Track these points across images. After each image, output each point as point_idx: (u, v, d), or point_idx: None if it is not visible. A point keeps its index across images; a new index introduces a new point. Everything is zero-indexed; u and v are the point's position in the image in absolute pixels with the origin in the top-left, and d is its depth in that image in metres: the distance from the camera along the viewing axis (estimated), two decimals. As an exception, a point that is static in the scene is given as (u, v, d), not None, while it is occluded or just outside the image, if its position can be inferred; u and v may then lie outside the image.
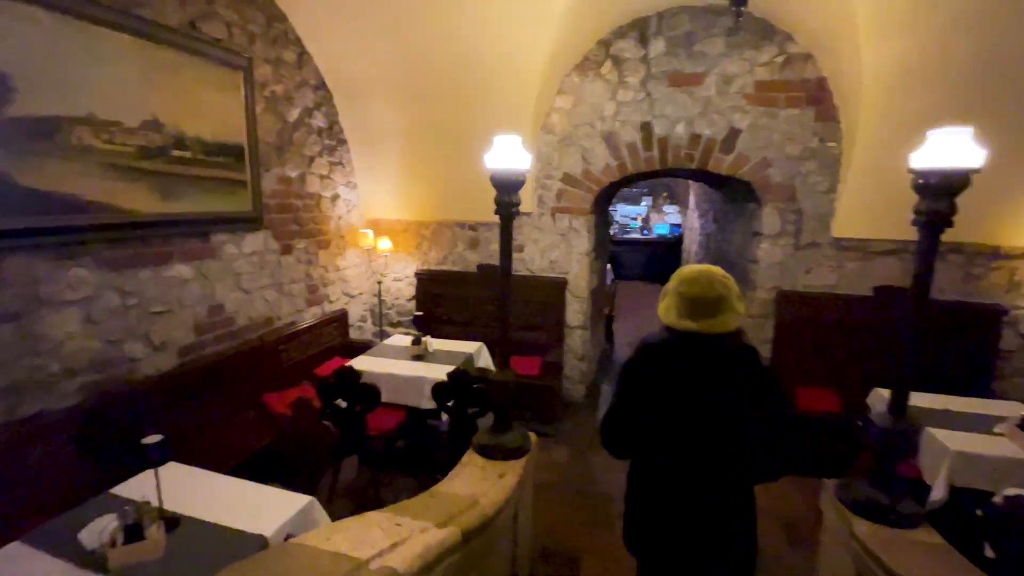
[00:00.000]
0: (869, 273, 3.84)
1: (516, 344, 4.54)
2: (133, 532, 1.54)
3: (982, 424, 2.67)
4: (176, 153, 2.87)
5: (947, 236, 3.84)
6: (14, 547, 1.59)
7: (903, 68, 3.12)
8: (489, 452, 2.11)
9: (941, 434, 2.57)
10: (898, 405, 1.87)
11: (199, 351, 3.15)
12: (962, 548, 1.67)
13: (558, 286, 4.44)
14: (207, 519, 1.73)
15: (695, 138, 3.90)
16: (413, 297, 4.92)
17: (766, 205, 3.91)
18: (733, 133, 3.83)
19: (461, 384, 2.72)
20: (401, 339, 3.97)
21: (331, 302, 4.46)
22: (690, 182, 9.05)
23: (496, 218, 2.13)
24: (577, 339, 4.55)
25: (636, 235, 11.49)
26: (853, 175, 3.62)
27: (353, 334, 4.76)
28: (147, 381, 2.78)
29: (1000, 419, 2.67)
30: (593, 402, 4.81)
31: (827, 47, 3.49)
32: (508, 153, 1.94)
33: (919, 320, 1.80)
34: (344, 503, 3.08)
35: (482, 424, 2.63)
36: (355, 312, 4.86)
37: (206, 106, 3.07)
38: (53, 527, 1.67)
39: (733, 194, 4.90)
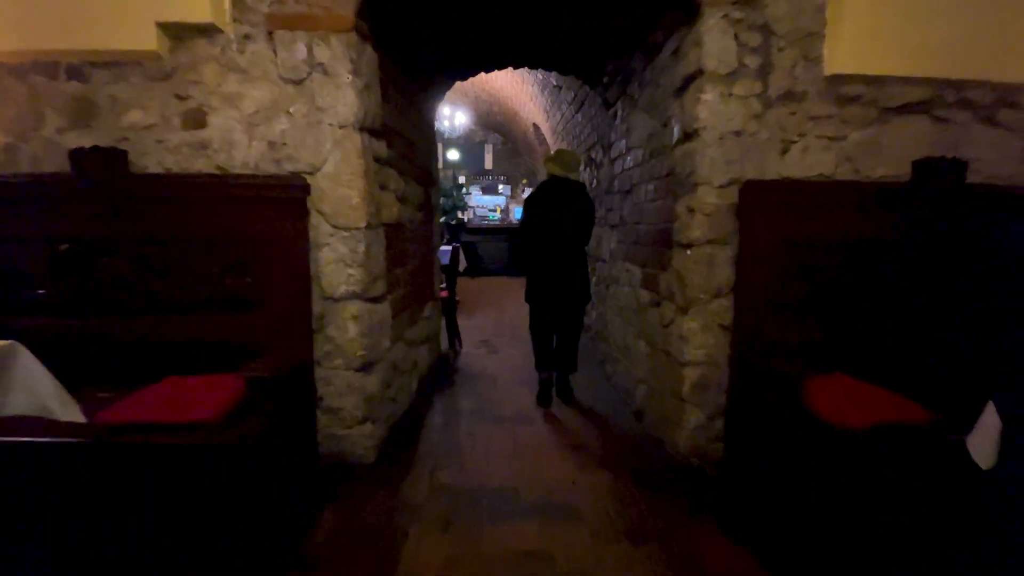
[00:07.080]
0: (886, 145, 2.06)
1: (179, 347, 1.85)
2: None
3: None
4: None
5: (1002, 75, 2.13)
6: None
7: None
8: None
9: None
10: None
11: None
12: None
13: (290, 201, 1.92)
14: None
15: None
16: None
17: (709, 14, 1.95)
18: None
19: None
20: None
21: None
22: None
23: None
24: (350, 322, 2.05)
25: (495, 223, 10.17)
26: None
27: None
28: None
29: None
30: (397, 465, 2.28)
31: None
32: None
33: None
34: None
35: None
36: None
37: None
38: None
39: (623, 77, 2.95)
